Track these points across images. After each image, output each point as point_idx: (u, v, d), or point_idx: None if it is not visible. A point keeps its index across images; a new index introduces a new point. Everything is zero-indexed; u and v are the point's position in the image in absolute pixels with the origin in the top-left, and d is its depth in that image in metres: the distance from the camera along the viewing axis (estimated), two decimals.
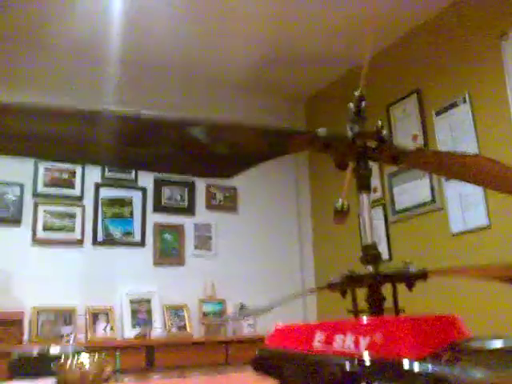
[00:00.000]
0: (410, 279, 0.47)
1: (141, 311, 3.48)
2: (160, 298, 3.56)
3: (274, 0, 3.20)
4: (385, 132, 0.54)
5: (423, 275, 0.48)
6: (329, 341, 0.41)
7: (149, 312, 3.50)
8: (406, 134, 3.52)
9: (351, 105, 0.55)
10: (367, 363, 0.36)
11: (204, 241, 3.85)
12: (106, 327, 3.33)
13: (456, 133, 3.18)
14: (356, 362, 0.37)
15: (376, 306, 0.45)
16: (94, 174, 3.60)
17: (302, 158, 4.48)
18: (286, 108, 4.54)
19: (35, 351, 2.05)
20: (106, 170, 3.64)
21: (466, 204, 3.08)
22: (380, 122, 0.54)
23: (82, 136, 0.57)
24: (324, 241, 4.22)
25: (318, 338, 0.41)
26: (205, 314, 3.65)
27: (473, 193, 3.03)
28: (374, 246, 0.48)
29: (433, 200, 3.30)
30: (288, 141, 0.56)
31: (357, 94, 0.55)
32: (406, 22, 3.45)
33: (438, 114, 3.30)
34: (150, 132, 0.56)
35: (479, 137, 3.05)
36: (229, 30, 3.49)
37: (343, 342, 0.39)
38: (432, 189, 3.31)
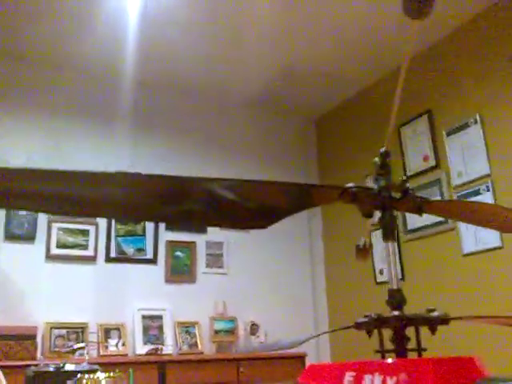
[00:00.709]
0: (433, 324, 0.51)
1: (152, 328, 3.52)
2: (171, 315, 3.60)
3: (287, 21, 3.28)
4: (408, 184, 0.57)
5: (445, 320, 0.51)
6: (358, 380, 0.45)
7: (160, 329, 3.54)
8: (417, 154, 3.56)
9: (377, 159, 0.59)
10: None
11: (215, 259, 3.90)
12: (118, 343, 3.37)
13: (467, 154, 3.21)
14: None
15: (400, 346, 0.49)
16: None
17: (312, 177, 4.53)
18: (298, 127, 4.61)
19: (51, 367, 2.08)
20: None
21: None
22: (404, 177, 0.59)
23: (121, 198, 0.63)
24: (335, 260, 4.24)
25: (348, 377, 0.45)
26: (216, 332, 3.68)
27: None
28: (399, 291, 0.51)
29: (445, 220, 3.31)
30: (317, 195, 0.60)
31: (382, 150, 0.59)
32: (418, 43, 3.50)
33: (449, 134, 3.34)
34: (183, 192, 0.60)
35: (490, 158, 3.09)
36: (242, 50, 3.58)
37: (371, 382, 0.43)
38: None
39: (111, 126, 3.80)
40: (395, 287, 0.52)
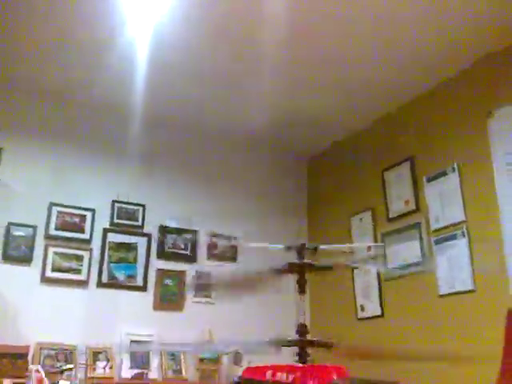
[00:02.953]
0: (318, 346, 0.87)
1: (139, 353, 3.87)
2: (158, 341, 3.93)
3: (285, 71, 3.74)
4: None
5: (329, 344, 0.87)
6: (274, 374, 0.82)
7: (147, 354, 3.88)
8: (399, 198, 3.99)
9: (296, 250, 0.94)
10: None
11: (203, 288, 4.26)
12: (105, 366, 3.71)
13: (445, 200, 3.61)
14: None
15: (302, 360, 0.85)
16: (103, 219, 4.06)
17: (301, 213, 4.96)
18: (291, 165, 5.17)
19: None
20: (115, 215, 4.10)
21: (453, 267, 3.46)
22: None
23: None
24: (320, 295, 4.58)
25: (268, 373, 0.82)
26: (201, 360, 4.02)
27: (460, 257, 3.41)
28: (304, 325, 0.87)
29: (423, 261, 3.68)
30: None
31: (299, 244, 0.95)
32: (403, 94, 4.01)
33: (428, 180, 3.76)
34: None
35: (466, 204, 3.49)
36: (244, 95, 4.07)
37: (281, 376, 0.80)
38: (422, 251, 3.70)
39: (114, 159, 4.28)
40: (302, 322, 0.88)
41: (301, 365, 0.84)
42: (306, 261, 0.87)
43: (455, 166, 3.58)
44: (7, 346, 3.47)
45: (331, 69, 3.73)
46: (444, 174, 3.66)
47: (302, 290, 0.89)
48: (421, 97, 3.98)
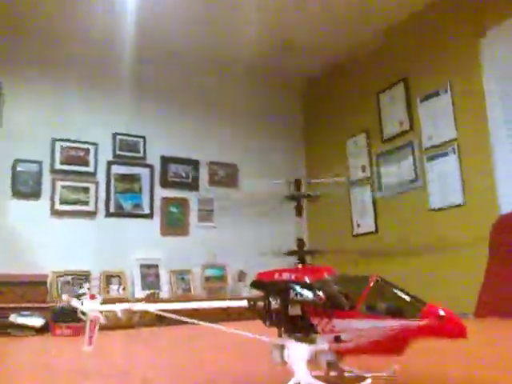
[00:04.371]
0: (307, 254, 1.20)
1: (150, 275, 4.30)
2: (167, 264, 4.36)
3: None
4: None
5: (314, 252, 1.21)
6: (280, 275, 1.15)
7: (157, 276, 4.31)
8: (393, 119, 4.25)
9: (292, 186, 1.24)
10: (294, 282, 1.11)
11: (207, 213, 4.64)
12: (118, 288, 4.14)
13: (437, 118, 3.90)
14: (289, 282, 1.11)
15: (302, 262, 1.18)
16: (106, 151, 4.36)
17: (298, 138, 5.25)
18: (287, 93, 5.40)
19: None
20: (117, 148, 4.39)
21: (444, 183, 3.81)
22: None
23: None
24: (319, 213, 4.98)
25: (277, 274, 1.16)
26: (207, 279, 4.47)
27: (451, 173, 3.75)
28: (302, 240, 1.20)
29: (415, 179, 4.03)
30: None
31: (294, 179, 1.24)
32: (395, 14, 4.15)
33: (422, 101, 4.01)
34: None
35: (457, 122, 3.76)
36: (239, 20, 4.22)
37: (285, 275, 1.14)
38: (415, 169, 4.03)
39: (112, 94, 4.49)
40: (301, 237, 1.21)
41: (300, 267, 1.17)
42: (301, 192, 1.16)
43: (448, 86, 3.82)
44: (28, 275, 3.88)
45: None
46: (436, 94, 3.91)
47: (299, 213, 1.19)
48: (413, 16, 4.13)
